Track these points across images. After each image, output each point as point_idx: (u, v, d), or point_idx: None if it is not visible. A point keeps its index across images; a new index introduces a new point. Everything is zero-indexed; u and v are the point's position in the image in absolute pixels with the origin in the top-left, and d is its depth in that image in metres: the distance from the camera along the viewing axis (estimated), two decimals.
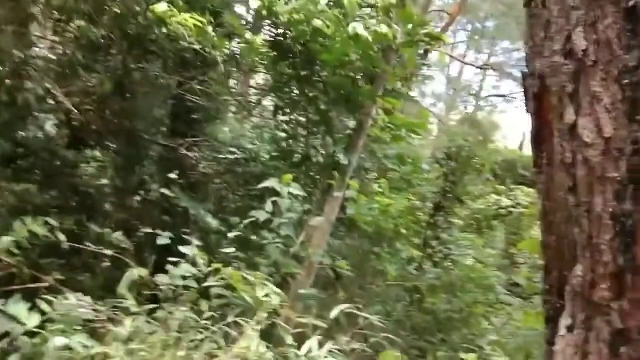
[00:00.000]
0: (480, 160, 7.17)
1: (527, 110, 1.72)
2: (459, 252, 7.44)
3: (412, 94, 9.42)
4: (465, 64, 20.99)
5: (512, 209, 8.85)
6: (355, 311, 3.61)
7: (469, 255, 7.64)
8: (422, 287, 6.38)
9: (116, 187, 6.98)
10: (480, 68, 17.52)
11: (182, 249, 3.94)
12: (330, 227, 4.69)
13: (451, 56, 19.03)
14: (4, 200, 5.93)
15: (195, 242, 4.04)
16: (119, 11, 5.47)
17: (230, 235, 4.39)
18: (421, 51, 11.12)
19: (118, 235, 5.23)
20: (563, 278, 1.63)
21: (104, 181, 7.16)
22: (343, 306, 3.66)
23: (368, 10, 6.08)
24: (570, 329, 1.59)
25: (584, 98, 1.39)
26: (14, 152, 6.07)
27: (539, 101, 1.62)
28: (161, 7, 4.78)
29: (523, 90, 1.77)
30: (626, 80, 1.30)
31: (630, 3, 1.28)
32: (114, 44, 6.09)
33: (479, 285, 6.70)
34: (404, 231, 7.17)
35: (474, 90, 19.17)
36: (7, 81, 5.35)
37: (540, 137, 1.65)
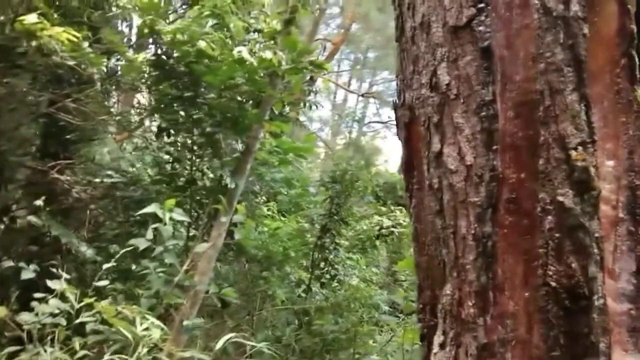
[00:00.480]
0: (363, 183, 7.49)
1: (399, 139, 1.83)
2: (345, 272, 7.63)
3: (300, 118, 9.63)
4: (349, 91, 21.95)
5: (393, 229, 9.32)
6: (242, 340, 3.52)
7: (354, 275, 7.87)
8: (310, 310, 6.43)
9: None
10: (362, 96, 18.41)
11: (50, 283, 3.59)
12: (217, 253, 4.56)
13: (336, 84, 19.80)
14: None
15: (64, 275, 3.70)
16: None
17: (107, 265, 4.10)
18: (308, 78, 11.45)
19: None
20: (435, 297, 1.72)
21: None
22: (229, 336, 3.55)
23: (255, 35, 6.14)
24: (442, 345, 1.68)
25: (448, 128, 1.51)
26: None
27: (409, 130, 1.73)
28: (31, 19, 4.41)
29: (395, 120, 1.88)
30: (483, 113, 1.43)
31: (486, 43, 1.42)
32: None
33: (364, 304, 6.91)
34: (293, 254, 7.21)
35: (358, 116, 20.10)
36: None
37: (410, 163, 1.76)
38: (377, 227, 9.72)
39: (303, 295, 6.72)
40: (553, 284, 1.31)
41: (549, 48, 1.30)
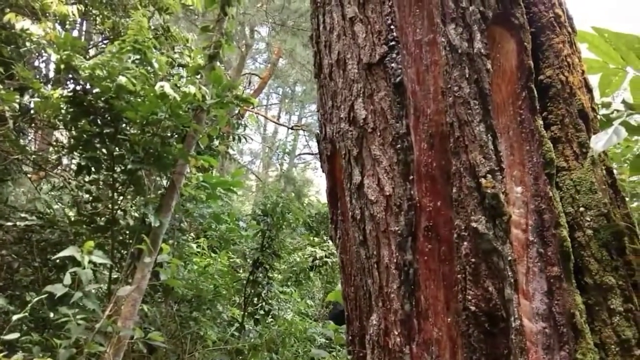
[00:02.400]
0: (295, 215, 7.47)
1: (323, 171, 1.85)
2: (280, 307, 7.49)
3: (230, 152, 9.53)
4: (279, 124, 22.09)
5: (327, 260, 9.32)
6: None
7: (289, 309, 7.74)
8: (244, 349, 6.23)
9: None
10: (292, 128, 18.62)
11: None
12: (141, 295, 4.34)
13: (265, 117, 19.88)
14: None
15: None
16: None
17: (17, 316, 3.78)
18: (236, 112, 11.42)
19: None
20: (363, 327, 1.73)
21: None
22: None
23: (179, 70, 6.06)
24: None
25: (367, 160, 1.55)
26: None
27: (331, 163, 1.76)
28: None
29: (318, 153, 1.91)
30: (399, 145, 1.48)
31: (398, 79, 1.49)
32: None
33: (299, 338, 6.79)
34: (224, 291, 7.01)
35: (288, 149, 20.23)
36: None
37: (334, 195, 1.78)
38: (311, 258, 9.69)
39: (236, 333, 6.51)
40: (472, 308, 1.35)
41: (457, 82, 1.38)
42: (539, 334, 1.43)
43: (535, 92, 1.54)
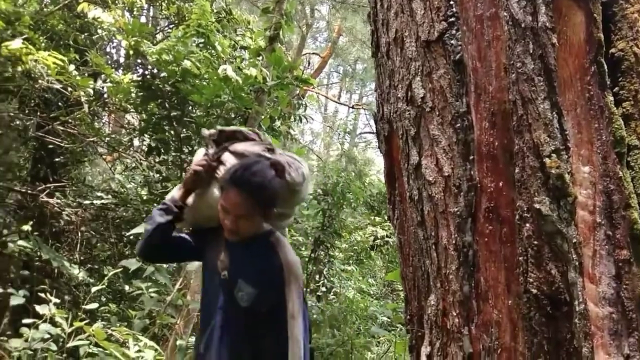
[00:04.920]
0: (355, 194, 7.47)
1: (380, 151, 1.85)
2: (341, 284, 7.59)
3: (291, 132, 9.63)
4: (339, 103, 22.04)
5: (388, 239, 9.29)
6: None
7: (350, 287, 7.82)
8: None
9: None
10: (353, 107, 18.48)
11: (39, 308, 3.56)
12: None
13: (326, 97, 19.89)
14: None
15: (54, 299, 3.67)
16: None
17: (96, 288, 4.07)
18: (297, 92, 11.49)
19: None
20: (421, 308, 1.73)
21: None
22: None
23: (241, 52, 6.17)
24: (429, 357, 1.68)
25: (425, 141, 1.53)
26: None
27: (389, 143, 1.75)
28: (15, 44, 4.43)
29: (376, 133, 1.91)
30: (458, 125, 1.45)
31: (458, 56, 1.45)
32: None
33: (360, 316, 6.86)
34: None
35: (349, 128, 20.17)
36: None
37: (391, 175, 1.78)
38: (372, 238, 9.70)
39: None
40: (534, 290, 1.32)
41: (520, 58, 1.33)
42: (606, 319, 1.38)
43: (605, 67, 1.46)
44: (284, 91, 4.44)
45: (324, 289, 7.18)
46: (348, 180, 7.23)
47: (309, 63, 17.61)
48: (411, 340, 1.81)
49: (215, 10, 6.08)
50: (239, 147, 2.16)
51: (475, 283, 1.45)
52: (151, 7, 7.95)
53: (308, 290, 7.00)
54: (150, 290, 4.50)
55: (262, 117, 4.78)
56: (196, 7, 4.88)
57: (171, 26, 7.17)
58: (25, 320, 3.69)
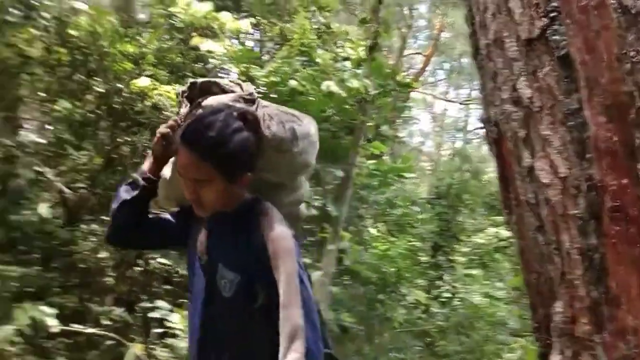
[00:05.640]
0: (472, 195, 7.23)
1: (490, 154, 1.79)
2: (465, 289, 7.36)
3: (399, 135, 9.58)
4: (448, 101, 21.44)
5: (512, 240, 8.77)
6: None
7: (475, 292, 7.55)
8: (431, 331, 6.28)
9: (116, 260, 6.96)
10: (462, 104, 17.89)
11: (172, 318, 3.93)
12: (329, 280, 4.68)
13: (433, 95, 19.48)
14: (5, 286, 5.90)
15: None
16: (102, 90, 5.65)
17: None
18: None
19: (120, 312, 5.22)
20: (547, 315, 1.65)
21: (104, 255, 7.12)
22: None
23: (343, 62, 6.30)
24: None
25: (537, 142, 1.46)
26: (10, 237, 6.09)
27: (499, 146, 1.69)
28: (143, 82, 4.95)
29: (485, 136, 1.85)
30: (571, 122, 1.37)
31: (563, 51, 1.37)
32: (100, 120, 6.24)
33: (488, 322, 6.59)
34: (407, 274, 7.13)
35: (460, 125, 19.52)
36: None
37: (505, 179, 1.71)
38: (495, 239, 9.29)
39: (422, 316, 6.58)
40: None
41: (633, 47, 1.23)
42: None
43: None
44: (387, 98, 4.47)
45: (447, 294, 7.01)
46: (463, 180, 7.02)
47: (413, 63, 17.37)
48: (541, 348, 1.73)
49: (314, 27, 6.28)
50: (210, 100, 1.74)
51: (605, 288, 1.35)
52: (255, 31, 8.42)
53: (430, 297, 6.89)
54: None
55: (368, 125, 4.83)
56: (297, 27, 5.10)
57: (276, 46, 7.52)
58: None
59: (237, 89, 1.79)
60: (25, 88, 5.93)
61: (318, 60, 4.70)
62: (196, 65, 6.22)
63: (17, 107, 6.13)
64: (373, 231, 7.38)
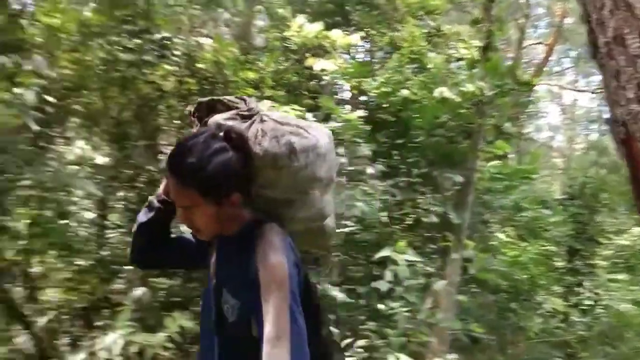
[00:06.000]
0: (610, 193, 6.57)
1: (619, 155, 1.66)
2: (609, 296, 6.71)
3: (525, 131, 9.02)
4: (577, 90, 19.73)
5: None
6: None
7: (621, 298, 6.84)
8: (572, 341, 5.81)
9: None
10: (594, 92, 16.34)
11: None
12: (455, 288, 4.56)
13: (560, 86, 18.05)
14: (156, 297, 6.57)
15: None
16: None
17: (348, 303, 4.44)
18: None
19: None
20: None
21: None
22: None
23: (458, 64, 6.14)
24: None
25: None
26: None
27: (628, 146, 1.57)
28: (264, 105, 5.26)
29: (612, 136, 1.72)
30: None
31: None
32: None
33: (638, 332, 5.93)
34: (541, 281, 6.68)
35: (594, 116, 17.83)
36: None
37: (637, 180, 1.58)
38: None
39: (561, 325, 6.12)
40: None
41: None
42: None
43: None
44: (505, 97, 4.27)
45: (588, 302, 6.44)
46: (599, 176, 6.43)
47: (534, 54, 16.29)
48: None
49: (424, 31, 6.21)
50: (211, 120, 1.70)
51: None
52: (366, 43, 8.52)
53: (569, 305, 6.39)
54: (402, 309, 4.73)
55: (487, 126, 4.66)
56: (406, 34, 5.09)
57: (387, 55, 7.56)
58: None
59: (241, 104, 1.72)
60: (162, 118, 6.60)
61: (429, 66, 4.64)
62: (311, 82, 6.48)
63: (157, 135, 6.83)
64: (502, 237, 7.03)
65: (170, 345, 4.49)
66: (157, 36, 5.79)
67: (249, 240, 1.59)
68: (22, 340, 6.33)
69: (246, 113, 1.66)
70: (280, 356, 1.40)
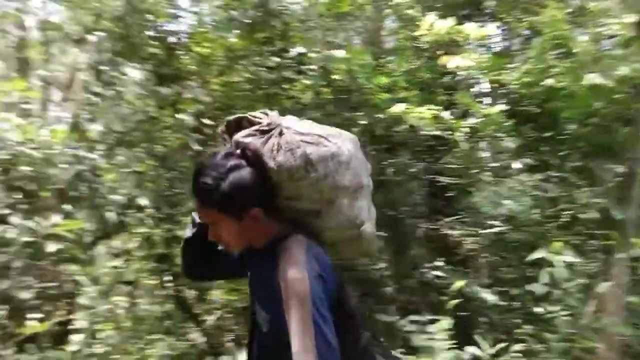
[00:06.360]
0: None
1: None
2: None
3: None
4: None
5: None
6: None
7: None
8: None
9: (393, 272, 7.49)
10: None
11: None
12: (622, 291, 4.15)
13: None
14: None
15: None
16: (365, 122, 6.25)
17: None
18: None
19: (405, 323, 5.60)
20: None
21: (381, 265, 7.70)
22: None
23: (609, 44, 5.55)
24: None
25: None
26: None
27: None
28: (398, 108, 5.30)
29: None
30: None
31: None
32: (365, 147, 6.89)
33: None
34: None
35: None
36: None
37: None
38: None
39: None
40: None
41: None
42: None
43: None
44: None
45: None
46: None
47: None
48: None
49: (568, 11, 5.71)
50: (234, 138, 1.75)
51: None
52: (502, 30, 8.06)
53: None
54: (561, 313, 4.43)
55: None
56: (547, 17, 4.74)
57: (526, 42, 7.08)
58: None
59: (265, 119, 1.74)
60: None
61: (576, 50, 4.27)
62: (445, 79, 6.35)
63: None
64: None
65: None
66: (294, 53, 6.15)
67: (273, 255, 1.62)
68: (194, 336, 7.13)
69: (265, 128, 1.69)
70: None
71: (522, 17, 6.22)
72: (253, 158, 1.63)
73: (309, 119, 5.97)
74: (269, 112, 1.75)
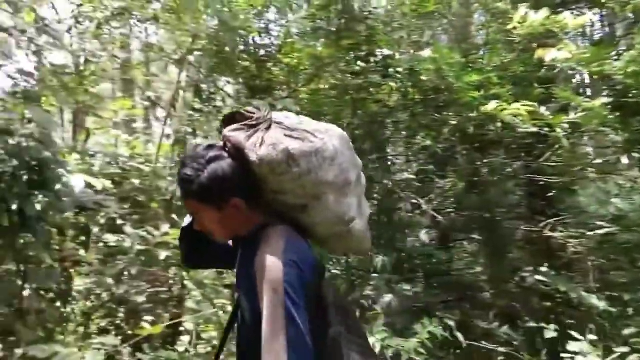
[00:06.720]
0: None
1: None
2: None
3: None
4: None
5: None
6: None
7: None
8: None
9: (490, 277, 7.23)
10: None
11: (570, 346, 3.77)
12: None
13: None
14: (403, 304, 6.88)
15: (590, 336, 3.80)
16: (455, 121, 6.09)
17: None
18: None
19: (505, 330, 5.40)
20: None
21: (478, 269, 7.47)
22: None
23: None
24: None
25: None
26: (398, 260, 7.11)
27: None
28: (491, 107, 5.10)
29: None
30: None
31: None
32: (457, 147, 6.72)
33: None
34: None
35: None
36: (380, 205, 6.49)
37: None
38: None
39: None
40: None
41: None
42: None
43: None
44: None
45: None
46: None
47: None
48: None
49: None
50: (222, 131, 1.78)
51: None
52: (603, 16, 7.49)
53: None
54: None
55: None
56: None
57: (630, 27, 6.53)
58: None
59: (257, 113, 1.74)
60: (389, 130, 6.94)
61: None
62: (541, 72, 6.03)
63: (385, 147, 7.19)
64: None
65: (422, 350, 4.66)
66: (380, 56, 6.13)
67: (254, 244, 1.63)
68: None
69: (254, 122, 1.71)
70: (276, 355, 1.41)
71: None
72: (234, 150, 1.67)
73: (395, 122, 5.95)
74: (261, 107, 1.79)
